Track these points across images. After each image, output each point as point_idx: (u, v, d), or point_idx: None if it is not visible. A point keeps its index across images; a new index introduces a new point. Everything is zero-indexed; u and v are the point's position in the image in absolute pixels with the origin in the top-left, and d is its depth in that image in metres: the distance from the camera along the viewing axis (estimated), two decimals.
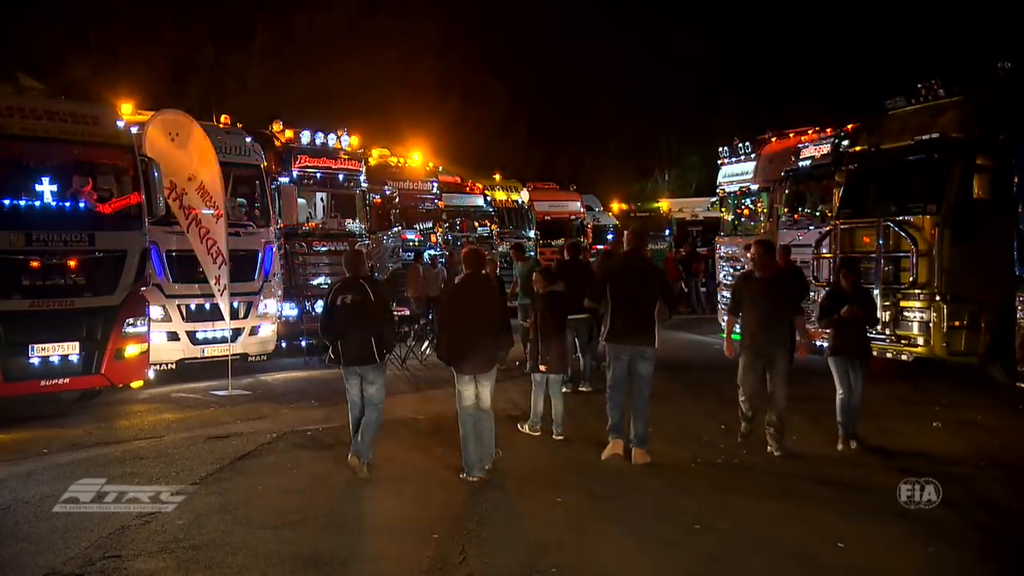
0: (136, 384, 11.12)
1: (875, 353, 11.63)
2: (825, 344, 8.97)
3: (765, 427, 8.27)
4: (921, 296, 11.20)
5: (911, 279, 11.27)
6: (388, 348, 8.26)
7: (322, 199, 16.72)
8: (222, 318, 12.41)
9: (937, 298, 11.06)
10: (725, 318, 17.36)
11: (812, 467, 7.80)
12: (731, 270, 17.60)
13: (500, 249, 22.51)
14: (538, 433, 9.24)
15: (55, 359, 9.95)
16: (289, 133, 15.48)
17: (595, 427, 9.65)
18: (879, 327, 11.67)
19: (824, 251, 12.84)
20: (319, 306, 14.96)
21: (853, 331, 8.42)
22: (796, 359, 8.41)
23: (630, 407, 8.16)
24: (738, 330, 8.76)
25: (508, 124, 42.05)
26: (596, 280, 9.18)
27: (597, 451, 8.54)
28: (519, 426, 9.29)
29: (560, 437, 9.09)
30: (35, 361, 9.82)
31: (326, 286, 15.13)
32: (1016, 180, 9.88)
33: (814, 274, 13.05)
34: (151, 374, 11.57)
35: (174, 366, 12.63)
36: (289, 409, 10.93)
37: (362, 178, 16.52)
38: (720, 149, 18.78)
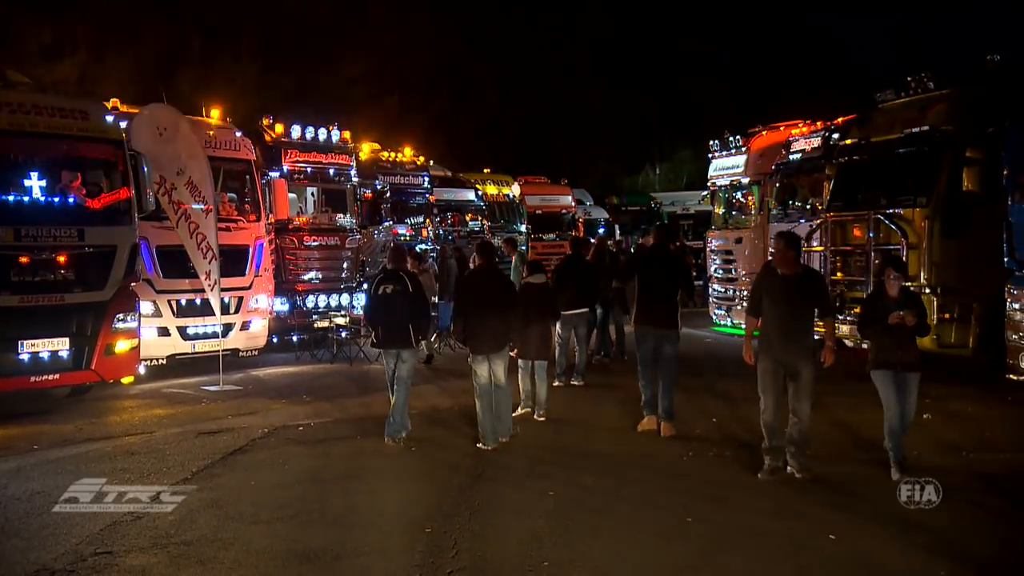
0: (127, 380, 11.07)
1: (863, 344, 11.71)
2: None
3: (787, 445, 7.33)
4: (911, 289, 11.22)
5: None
6: (423, 334, 9.41)
7: (313, 194, 16.66)
8: (213, 313, 12.38)
9: (927, 291, 11.09)
10: (718, 312, 17.71)
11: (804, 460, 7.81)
12: (722, 264, 17.66)
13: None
14: (528, 410, 9.68)
15: (45, 355, 9.89)
16: (279, 128, 15.42)
17: (587, 420, 9.73)
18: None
19: (815, 244, 12.87)
20: (310, 300, 15.14)
21: (899, 340, 7.19)
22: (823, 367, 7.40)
23: (658, 385, 8.91)
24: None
25: (498, 118, 41.99)
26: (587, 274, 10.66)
27: (589, 443, 8.67)
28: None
29: (542, 419, 9.59)
30: (24, 357, 9.76)
31: (317, 281, 15.29)
32: (1005, 172, 9.92)
33: None
34: (142, 370, 11.55)
35: (164, 361, 12.58)
36: (280, 404, 10.90)
37: (353, 173, 16.48)
38: (711, 142, 18.81)
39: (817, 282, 7.68)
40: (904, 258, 11.20)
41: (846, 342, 11.75)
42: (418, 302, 8.85)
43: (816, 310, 7.48)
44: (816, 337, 7.71)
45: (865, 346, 11.57)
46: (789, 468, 7.30)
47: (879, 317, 7.24)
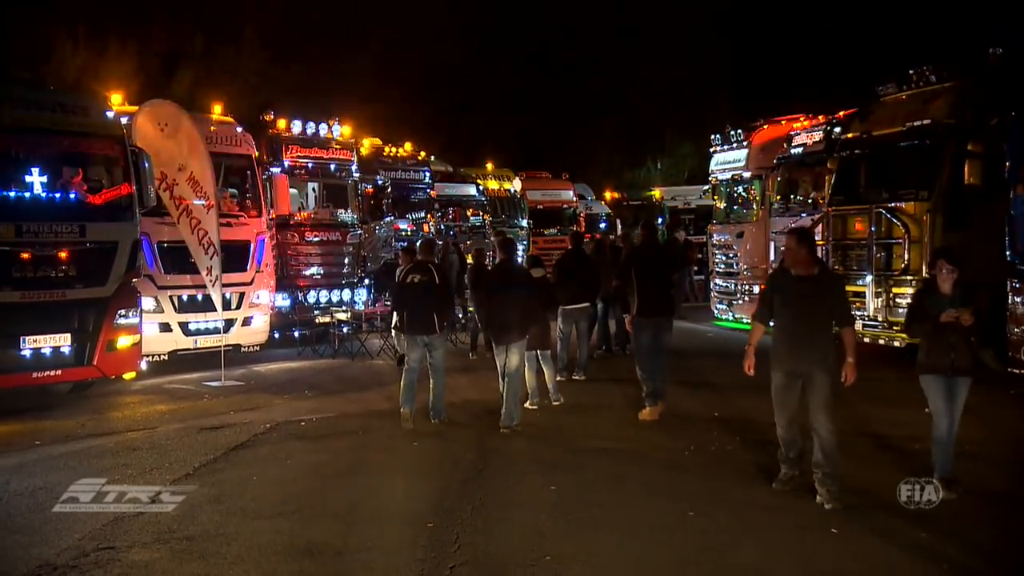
0: (128, 375, 11.11)
1: (865, 338, 11.69)
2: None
3: (812, 469, 6.53)
4: (913, 282, 11.21)
5: (903, 265, 11.29)
6: (448, 322, 9.97)
7: (314, 189, 16.64)
8: (214, 309, 12.38)
9: None
10: (719, 306, 17.69)
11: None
12: (724, 258, 17.65)
13: (493, 239, 22.49)
14: (536, 408, 9.72)
15: (47, 351, 9.91)
16: (281, 123, 15.42)
17: (588, 413, 9.73)
18: (871, 314, 11.74)
19: (817, 238, 12.85)
20: (311, 296, 15.17)
21: (952, 341, 6.42)
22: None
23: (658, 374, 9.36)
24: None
25: (500, 113, 41.99)
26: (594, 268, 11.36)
27: (591, 437, 8.67)
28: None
29: (558, 403, 10.00)
30: (27, 353, 9.79)
31: (319, 276, 15.30)
32: (1007, 166, 9.90)
33: None
34: (143, 365, 11.55)
35: (166, 357, 12.59)
36: (282, 399, 10.91)
37: (354, 168, 16.48)
38: (712, 137, 18.78)
39: (835, 285, 6.99)
40: (905, 252, 11.20)
41: None
42: (444, 292, 9.36)
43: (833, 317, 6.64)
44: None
45: (867, 341, 11.65)
46: (819, 498, 6.39)
47: (929, 315, 6.49)
